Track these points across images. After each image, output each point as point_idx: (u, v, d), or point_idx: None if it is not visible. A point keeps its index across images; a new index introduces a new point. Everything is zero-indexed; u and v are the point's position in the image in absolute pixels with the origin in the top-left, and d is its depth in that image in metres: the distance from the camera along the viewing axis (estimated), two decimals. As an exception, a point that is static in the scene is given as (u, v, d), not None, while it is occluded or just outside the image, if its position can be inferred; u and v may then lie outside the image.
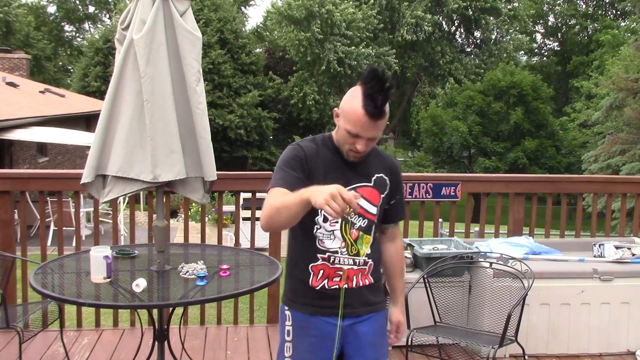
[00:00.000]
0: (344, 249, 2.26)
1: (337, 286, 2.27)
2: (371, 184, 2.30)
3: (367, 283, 2.32)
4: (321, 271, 2.27)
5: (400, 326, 2.49)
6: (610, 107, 19.08)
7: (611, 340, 4.27)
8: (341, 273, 2.26)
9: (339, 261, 2.26)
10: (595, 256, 4.46)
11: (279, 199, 2.06)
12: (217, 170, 3.38)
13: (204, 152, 3.23)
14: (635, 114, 18.14)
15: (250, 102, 28.99)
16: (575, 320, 4.19)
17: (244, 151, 29.64)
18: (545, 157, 29.57)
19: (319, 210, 2.22)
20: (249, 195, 4.80)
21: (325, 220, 2.26)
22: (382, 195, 2.32)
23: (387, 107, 2.12)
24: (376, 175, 2.31)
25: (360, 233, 2.27)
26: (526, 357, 3.74)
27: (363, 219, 2.28)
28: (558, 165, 29.44)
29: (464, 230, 5.36)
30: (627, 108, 18.70)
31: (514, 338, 3.55)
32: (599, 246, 4.47)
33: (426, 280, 3.93)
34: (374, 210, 2.30)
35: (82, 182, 3.20)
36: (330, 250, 2.26)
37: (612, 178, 5.81)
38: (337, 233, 2.25)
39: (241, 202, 4.92)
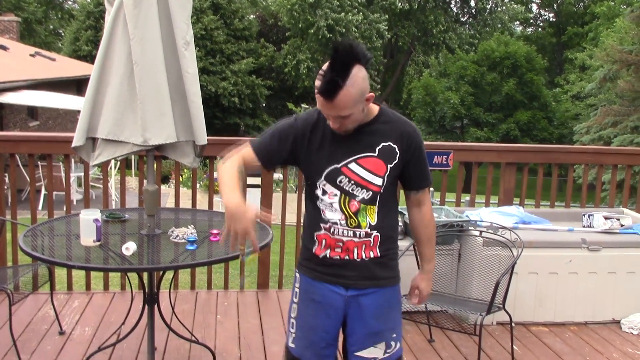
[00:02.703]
0: (344, 221, 2.23)
1: (338, 257, 2.26)
2: (375, 154, 2.22)
3: (372, 256, 2.27)
4: (324, 240, 2.27)
5: (421, 292, 2.46)
6: (604, 78, 19.06)
7: (597, 308, 4.33)
8: (341, 244, 2.25)
9: (339, 232, 2.24)
10: (584, 226, 4.49)
11: (226, 174, 2.23)
12: (209, 137, 3.36)
13: (194, 115, 3.20)
14: (629, 86, 18.14)
15: (245, 69, 28.76)
16: (563, 289, 4.24)
17: (237, 119, 29.51)
18: (537, 128, 29.58)
19: (318, 184, 2.25)
20: (240, 161, 4.79)
21: (324, 193, 2.25)
22: (390, 165, 2.23)
23: (350, 88, 2.02)
24: (382, 144, 2.23)
25: (362, 205, 2.22)
26: (513, 324, 3.78)
27: (367, 191, 2.22)
28: (550, 137, 29.47)
29: (454, 200, 5.37)
30: (621, 80, 18.69)
31: (501, 306, 3.58)
32: (588, 216, 4.50)
33: (416, 248, 3.94)
34: (378, 181, 2.22)
35: (73, 145, 3.18)
36: (331, 221, 2.24)
37: (604, 149, 5.83)
38: (336, 205, 2.23)
39: (232, 168, 4.90)
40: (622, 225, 4.40)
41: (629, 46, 18.50)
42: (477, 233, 4.08)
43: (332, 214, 2.24)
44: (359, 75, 2.04)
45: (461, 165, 5.05)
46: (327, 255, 2.28)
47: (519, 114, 29.28)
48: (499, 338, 4.07)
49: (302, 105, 27.29)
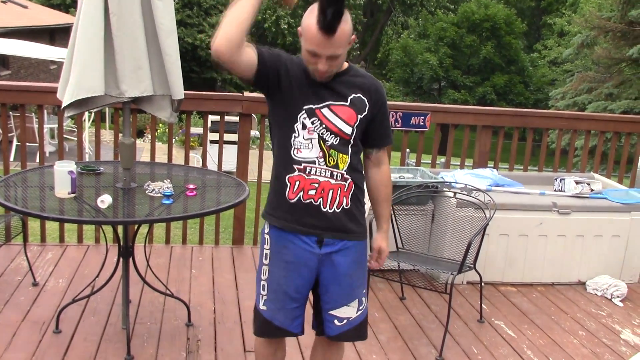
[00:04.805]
0: (322, 159, 2.21)
1: (312, 200, 2.23)
2: (347, 103, 2.23)
3: (344, 204, 2.26)
4: (297, 182, 2.23)
5: (382, 253, 2.46)
6: (582, 44, 19.11)
7: (564, 270, 4.44)
8: (316, 185, 2.22)
9: (316, 172, 2.22)
10: (555, 190, 4.57)
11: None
12: (186, 91, 3.32)
13: (170, 69, 3.14)
14: (605, 53, 18.25)
15: (222, 23, 28.28)
16: (532, 250, 4.34)
17: (214, 73, 29.09)
18: (513, 93, 29.75)
19: (298, 117, 2.22)
20: (217, 117, 4.76)
21: (304, 127, 2.22)
22: (360, 116, 2.24)
23: (345, 24, 2.05)
24: (353, 95, 2.24)
25: (332, 150, 2.22)
26: (483, 284, 3.86)
27: (335, 137, 2.21)
28: (526, 101, 29.68)
29: (430, 161, 5.42)
30: (598, 47, 18.78)
31: (472, 265, 3.65)
32: (560, 181, 4.57)
33: (391, 208, 3.99)
34: (348, 130, 2.23)
35: (59, 94, 3.11)
36: (307, 160, 2.21)
37: (578, 115, 5.91)
38: (315, 142, 2.21)
39: (209, 124, 4.87)
40: (592, 190, 4.49)
41: (608, 13, 18.53)
42: (451, 194, 4.13)
43: (309, 152, 2.22)
44: (348, 14, 2.08)
45: (438, 126, 5.07)
46: (301, 199, 2.24)
47: (496, 78, 29.37)
48: (468, 297, 4.16)
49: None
